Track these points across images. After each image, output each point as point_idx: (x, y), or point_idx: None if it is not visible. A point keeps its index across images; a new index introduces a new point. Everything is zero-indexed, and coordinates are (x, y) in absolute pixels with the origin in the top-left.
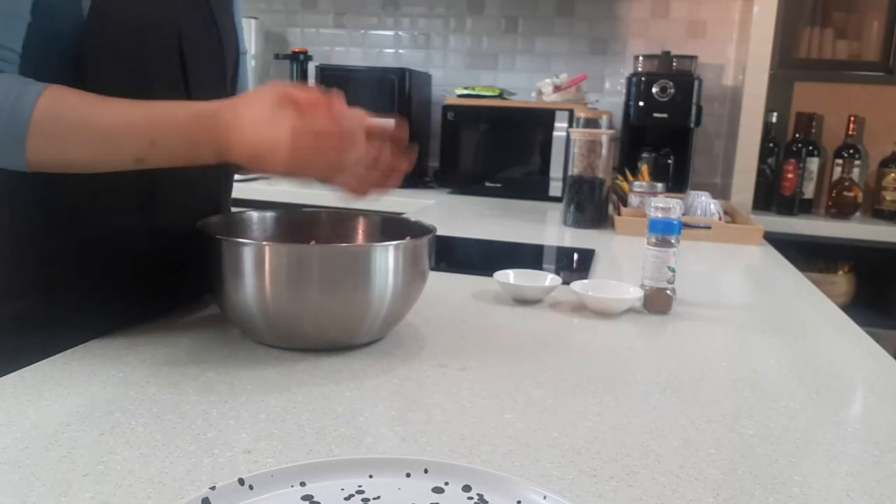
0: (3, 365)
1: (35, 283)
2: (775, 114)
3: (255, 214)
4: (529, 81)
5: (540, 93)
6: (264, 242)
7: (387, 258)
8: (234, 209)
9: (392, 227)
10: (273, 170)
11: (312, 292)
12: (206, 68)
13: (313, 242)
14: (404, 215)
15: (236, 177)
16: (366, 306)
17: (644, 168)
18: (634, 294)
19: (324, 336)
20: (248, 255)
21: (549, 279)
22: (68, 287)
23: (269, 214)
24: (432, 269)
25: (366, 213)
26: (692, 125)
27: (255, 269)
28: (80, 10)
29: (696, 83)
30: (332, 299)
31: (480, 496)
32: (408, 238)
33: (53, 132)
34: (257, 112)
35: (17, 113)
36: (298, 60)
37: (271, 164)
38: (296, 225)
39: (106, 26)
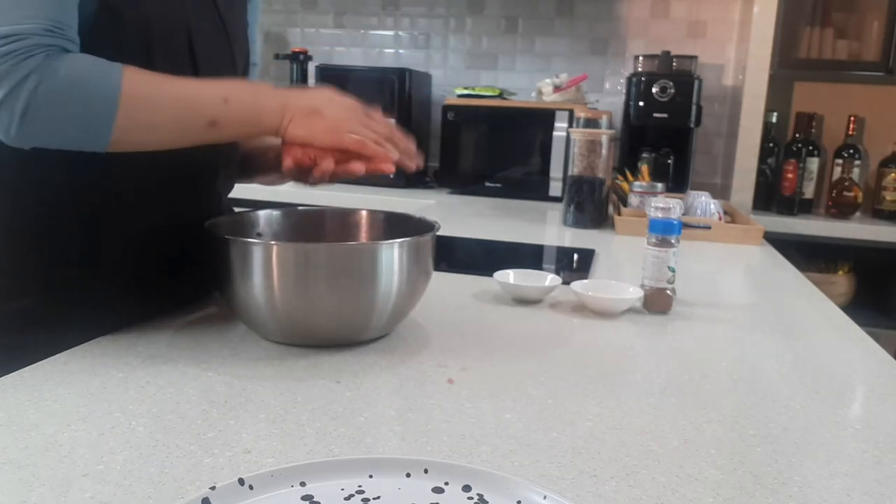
0: (5, 363)
1: (36, 281)
2: (775, 114)
3: (261, 214)
4: (529, 81)
5: (540, 93)
6: (272, 242)
7: (392, 255)
8: (238, 209)
9: (396, 224)
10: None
11: (320, 290)
12: (217, 70)
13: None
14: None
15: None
16: (372, 302)
17: (644, 168)
18: (634, 294)
19: (331, 332)
20: (256, 254)
21: (549, 279)
22: (69, 286)
23: (276, 213)
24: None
25: (370, 211)
26: (692, 125)
27: (264, 268)
28: (91, 8)
29: (696, 83)
30: (339, 296)
31: (480, 496)
32: (413, 235)
33: (142, 98)
34: (308, 94)
35: (108, 87)
36: (298, 60)
37: (306, 121)
38: (302, 223)
39: (114, 24)
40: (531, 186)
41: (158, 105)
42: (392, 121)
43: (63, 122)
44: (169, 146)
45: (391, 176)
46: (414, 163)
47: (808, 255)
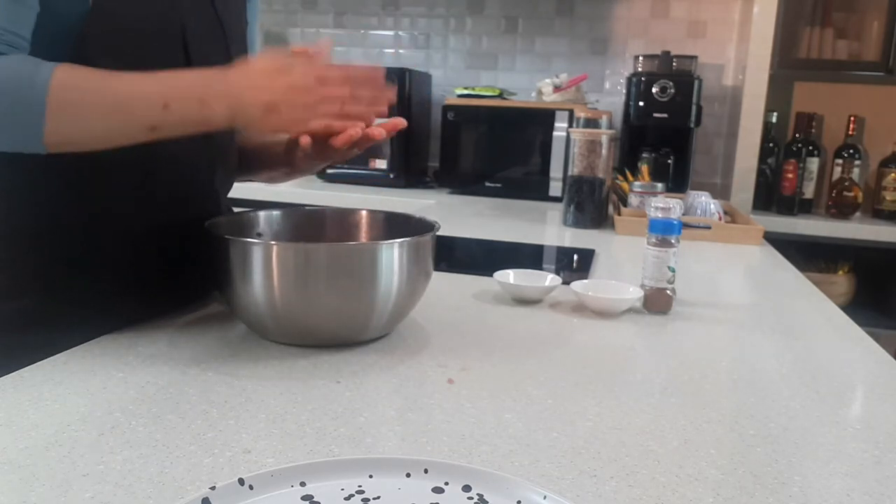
0: (5, 362)
1: (36, 281)
2: (775, 114)
3: (261, 214)
4: (529, 81)
5: (540, 93)
6: (272, 242)
7: (392, 255)
8: (238, 209)
9: (396, 224)
10: (264, 125)
11: (320, 290)
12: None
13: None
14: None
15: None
16: (372, 302)
17: (644, 168)
18: (634, 294)
19: (331, 332)
20: (256, 254)
21: (549, 279)
22: (69, 286)
23: (276, 213)
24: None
25: (370, 211)
26: (692, 125)
27: (264, 268)
28: (81, 9)
29: (696, 83)
30: (339, 296)
31: (480, 496)
32: (413, 235)
33: (70, 102)
34: (258, 74)
35: (34, 87)
36: None
37: (256, 126)
38: (302, 223)
39: (107, 24)
40: (531, 186)
41: (91, 111)
42: (347, 67)
43: None
44: (112, 146)
45: (391, 176)
46: (385, 104)
47: (808, 255)
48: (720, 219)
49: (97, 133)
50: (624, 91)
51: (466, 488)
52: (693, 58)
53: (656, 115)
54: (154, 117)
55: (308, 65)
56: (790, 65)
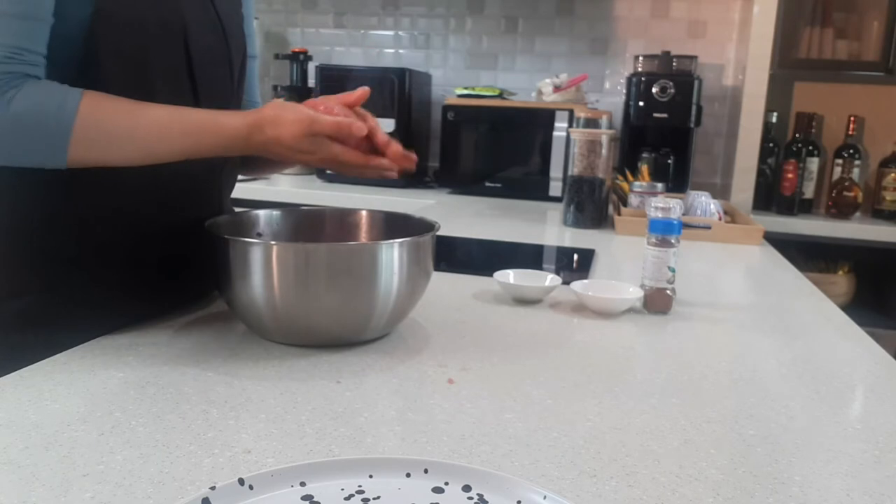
0: (6, 362)
1: (37, 281)
2: (775, 114)
3: (261, 214)
4: (529, 81)
5: (540, 93)
6: (272, 242)
7: (392, 255)
8: (238, 209)
9: (396, 224)
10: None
11: (320, 290)
12: (213, 68)
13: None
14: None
15: (238, 177)
16: (372, 302)
17: (644, 168)
18: (634, 294)
19: (331, 332)
20: (256, 254)
21: (549, 279)
22: (70, 286)
23: (276, 213)
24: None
25: (370, 211)
26: (692, 125)
27: (264, 268)
28: (87, 12)
29: (696, 83)
30: (339, 296)
31: (480, 496)
32: (413, 235)
33: (95, 139)
34: (287, 148)
35: (60, 122)
36: (298, 60)
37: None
38: (301, 223)
39: (110, 27)
40: (531, 186)
41: (110, 139)
42: (337, 120)
43: (14, 152)
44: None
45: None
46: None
47: (808, 255)
48: (720, 219)
49: (115, 163)
50: (624, 91)
51: (466, 488)
52: (693, 58)
53: (656, 115)
54: (174, 157)
55: (336, 132)
56: (790, 65)
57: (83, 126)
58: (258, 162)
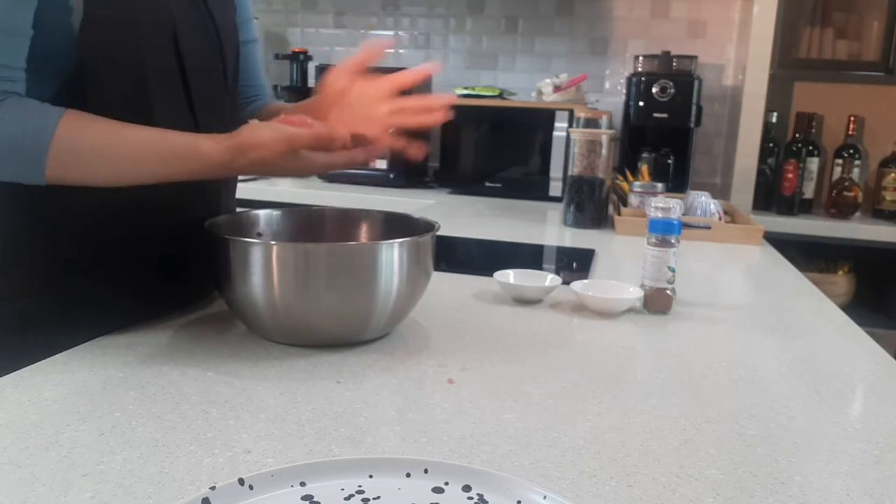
0: (6, 363)
1: (37, 282)
2: (775, 114)
3: (261, 214)
4: (529, 81)
5: (540, 93)
6: (272, 242)
7: (392, 255)
8: (238, 209)
9: (396, 224)
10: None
11: (320, 290)
12: (205, 66)
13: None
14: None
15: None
16: (372, 303)
17: (644, 168)
18: (634, 294)
19: (330, 332)
20: (256, 254)
21: (549, 279)
22: (70, 286)
23: (276, 213)
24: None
25: (370, 211)
26: (692, 125)
27: (264, 268)
28: (70, 21)
29: (696, 83)
30: (339, 296)
31: (480, 496)
32: (413, 235)
33: (71, 161)
34: (269, 163)
35: (36, 143)
36: (298, 60)
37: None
38: (301, 223)
39: (100, 34)
40: (531, 186)
41: (86, 162)
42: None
43: None
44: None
45: (391, 176)
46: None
47: (808, 255)
48: (720, 219)
49: (96, 182)
50: (624, 91)
51: (466, 488)
52: (693, 58)
53: (656, 115)
54: (152, 180)
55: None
56: (790, 65)
57: (59, 148)
58: None
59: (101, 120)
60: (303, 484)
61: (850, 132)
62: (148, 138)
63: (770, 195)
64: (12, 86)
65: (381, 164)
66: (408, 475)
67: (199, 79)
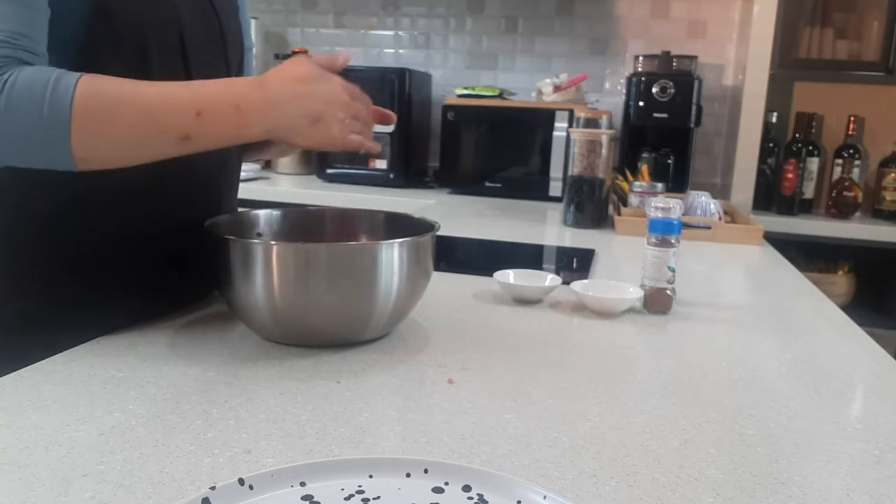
0: (6, 363)
1: (38, 281)
2: (775, 114)
3: (261, 214)
4: (529, 81)
5: (540, 93)
6: (272, 242)
7: (392, 255)
8: (238, 209)
9: (396, 224)
10: (307, 138)
11: (320, 290)
12: (209, 64)
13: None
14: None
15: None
16: (372, 303)
17: (644, 168)
18: (634, 294)
19: (330, 332)
20: (256, 254)
21: (549, 279)
22: (69, 286)
23: (276, 213)
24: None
25: (370, 211)
26: (692, 125)
27: (264, 268)
28: (83, 13)
29: (696, 83)
30: (339, 296)
31: (480, 496)
32: (413, 235)
33: (97, 111)
34: (298, 82)
35: (58, 97)
36: None
37: (299, 139)
38: (301, 223)
39: (106, 25)
40: (531, 186)
41: (118, 120)
42: (367, 98)
43: (15, 138)
44: (142, 162)
45: (391, 176)
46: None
47: (808, 255)
48: (720, 219)
49: (127, 144)
50: (624, 91)
51: (466, 488)
52: (693, 58)
53: (656, 115)
54: (186, 126)
55: (338, 77)
56: (790, 65)
57: (83, 103)
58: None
59: (124, 79)
60: (303, 484)
61: (850, 132)
62: (180, 85)
63: (770, 195)
64: (30, 57)
65: (382, 164)
66: (408, 475)
67: (204, 78)
